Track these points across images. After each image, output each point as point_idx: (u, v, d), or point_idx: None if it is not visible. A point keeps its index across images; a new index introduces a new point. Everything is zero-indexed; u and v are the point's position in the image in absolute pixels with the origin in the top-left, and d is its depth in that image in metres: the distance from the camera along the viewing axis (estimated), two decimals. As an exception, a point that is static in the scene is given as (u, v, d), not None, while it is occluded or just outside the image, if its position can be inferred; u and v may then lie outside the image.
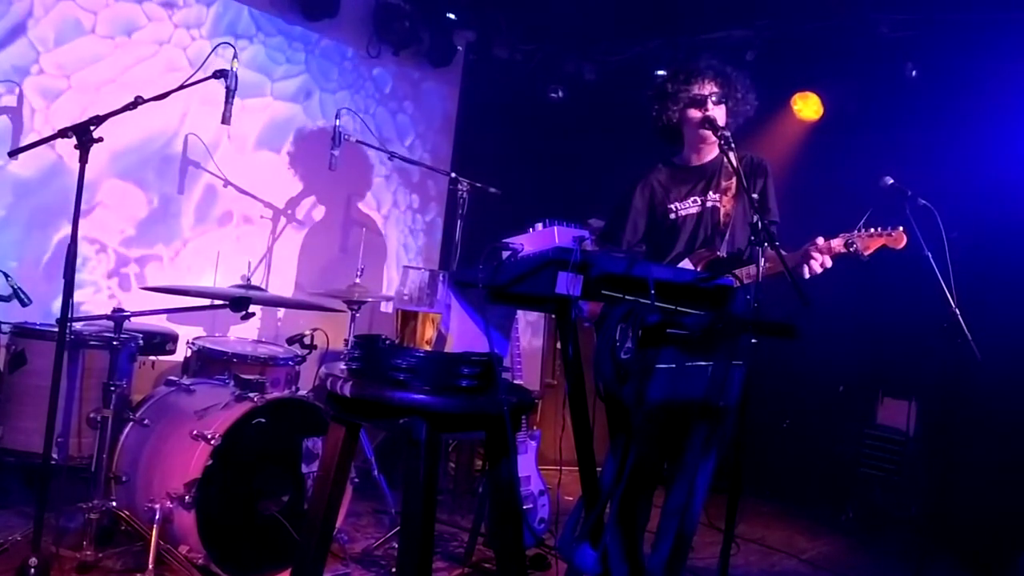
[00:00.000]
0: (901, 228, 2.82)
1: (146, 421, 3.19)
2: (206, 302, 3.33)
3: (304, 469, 3.20)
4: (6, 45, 4.05)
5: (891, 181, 3.28)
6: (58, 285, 2.78)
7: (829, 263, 2.77)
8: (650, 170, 3.13)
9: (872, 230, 2.80)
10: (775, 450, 5.42)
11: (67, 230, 2.79)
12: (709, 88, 2.98)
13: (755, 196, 2.80)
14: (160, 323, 4.18)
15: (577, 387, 2.26)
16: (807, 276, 2.78)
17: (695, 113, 2.98)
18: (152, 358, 4.13)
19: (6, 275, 3.18)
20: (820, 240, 2.77)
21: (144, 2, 4.52)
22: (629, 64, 6.03)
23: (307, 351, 3.76)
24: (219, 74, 3.09)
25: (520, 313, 4.25)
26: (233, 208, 4.99)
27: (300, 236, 5.33)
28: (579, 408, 2.26)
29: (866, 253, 2.78)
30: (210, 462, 2.94)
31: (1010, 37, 4.61)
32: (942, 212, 3.21)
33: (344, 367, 2.17)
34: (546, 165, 6.06)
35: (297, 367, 3.73)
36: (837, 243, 2.77)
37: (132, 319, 3.19)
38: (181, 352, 3.97)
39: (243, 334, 4.07)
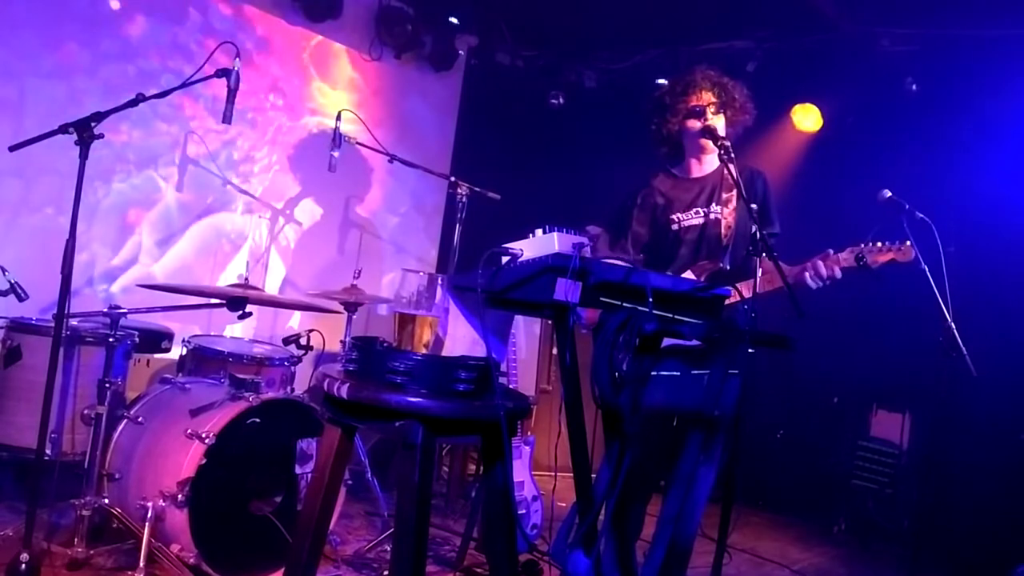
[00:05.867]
0: (908, 242, 2.83)
1: (140, 419, 3.19)
2: (203, 301, 3.33)
3: (298, 470, 3.19)
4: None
5: (889, 194, 3.29)
6: (55, 280, 2.77)
7: (839, 274, 2.79)
8: (650, 180, 3.13)
9: (880, 244, 2.81)
10: (768, 460, 5.42)
11: (66, 224, 2.78)
12: (707, 98, 2.99)
13: (755, 207, 2.81)
14: (156, 321, 4.17)
15: (574, 394, 2.26)
16: (813, 287, 2.80)
17: (694, 124, 2.99)
18: (147, 356, 4.12)
19: (3, 270, 3.17)
20: (831, 252, 2.79)
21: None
22: (630, 72, 6.05)
23: (303, 352, 3.76)
24: (221, 73, 3.09)
25: (517, 318, 4.25)
26: (232, 208, 4.98)
27: (298, 237, 5.33)
28: (575, 415, 2.26)
29: (874, 267, 2.80)
30: (203, 461, 2.94)
31: (1010, 53, 4.63)
32: (940, 226, 3.22)
33: (340, 368, 2.17)
34: (546, 171, 6.06)
35: (293, 368, 3.72)
36: (846, 256, 2.79)
37: (128, 316, 3.19)
38: (177, 350, 3.96)
39: (239, 334, 4.06)
